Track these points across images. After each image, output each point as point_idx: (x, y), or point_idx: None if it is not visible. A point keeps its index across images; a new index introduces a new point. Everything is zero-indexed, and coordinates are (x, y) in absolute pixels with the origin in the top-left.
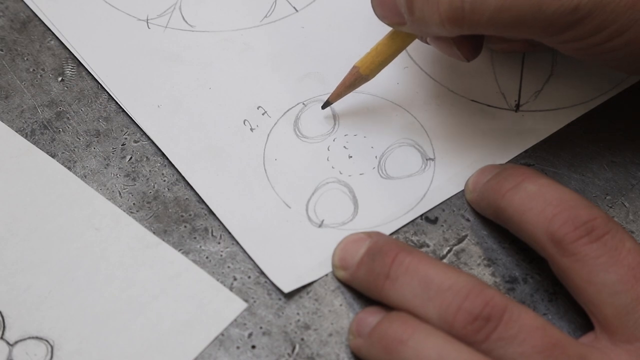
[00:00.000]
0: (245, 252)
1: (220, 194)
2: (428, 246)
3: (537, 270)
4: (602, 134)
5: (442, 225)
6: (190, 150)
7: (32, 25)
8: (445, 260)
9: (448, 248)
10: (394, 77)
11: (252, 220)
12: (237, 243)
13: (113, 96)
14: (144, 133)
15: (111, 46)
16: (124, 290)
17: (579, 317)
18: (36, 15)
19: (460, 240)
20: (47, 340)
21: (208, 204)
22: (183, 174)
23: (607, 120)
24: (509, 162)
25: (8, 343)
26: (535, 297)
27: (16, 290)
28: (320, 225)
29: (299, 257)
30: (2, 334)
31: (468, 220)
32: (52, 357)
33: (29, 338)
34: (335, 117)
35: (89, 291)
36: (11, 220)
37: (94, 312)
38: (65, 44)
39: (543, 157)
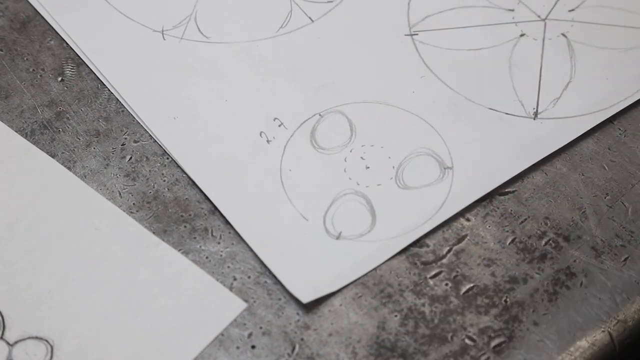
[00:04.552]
0: (245, 252)
1: (237, 206)
2: (428, 246)
3: (537, 270)
4: (602, 134)
5: (442, 225)
6: (207, 163)
7: (32, 25)
8: (445, 260)
9: (448, 248)
10: (410, 87)
11: (270, 234)
12: (237, 243)
13: (130, 110)
14: (144, 133)
15: (127, 58)
16: (124, 290)
17: (579, 317)
18: (36, 16)
19: (460, 240)
20: (47, 340)
21: (226, 216)
22: (200, 187)
23: (607, 120)
24: (527, 169)
25: (8, 343)
26: (535, 297)
27: (16, 290)
28: (338, 237)
29: (317, 269)
30: (2, 334)
31: (468, 220)
32: (52, 357)
33: (29, 338)
34: (352, 127)
35: (89, 291)
36: (11, 220)
37: (94, 312)
38: (80, 56)
39: (543, 157)
